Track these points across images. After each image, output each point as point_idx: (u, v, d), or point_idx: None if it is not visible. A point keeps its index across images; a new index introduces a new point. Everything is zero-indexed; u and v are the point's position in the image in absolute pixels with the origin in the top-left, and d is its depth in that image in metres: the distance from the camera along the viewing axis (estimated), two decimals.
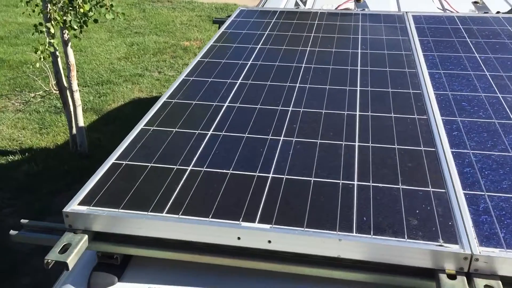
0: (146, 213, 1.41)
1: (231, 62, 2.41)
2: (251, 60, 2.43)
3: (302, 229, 1.35)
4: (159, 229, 1.39)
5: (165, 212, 1.41)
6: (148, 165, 1.63)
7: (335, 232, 1.33)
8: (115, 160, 1.66)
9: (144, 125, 1.87)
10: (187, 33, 9.61)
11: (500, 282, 1.24)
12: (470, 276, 1.27)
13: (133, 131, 1.83)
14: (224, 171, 1.59)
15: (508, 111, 1.90)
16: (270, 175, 1.57)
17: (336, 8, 3.45)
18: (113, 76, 7.86)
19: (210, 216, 1.39)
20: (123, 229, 1.40)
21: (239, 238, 1.35)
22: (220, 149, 1.71)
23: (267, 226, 1.36)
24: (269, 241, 1.34)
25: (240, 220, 1.38)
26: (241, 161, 1.64)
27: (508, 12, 3.07)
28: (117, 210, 1.42)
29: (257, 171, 1.59)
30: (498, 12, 3.10)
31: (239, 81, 2.22)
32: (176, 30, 9.88)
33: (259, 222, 1.37)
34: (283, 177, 1.56)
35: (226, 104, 2.02)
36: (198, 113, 1.95)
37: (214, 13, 10.65)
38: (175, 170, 1.60)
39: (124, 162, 1.65)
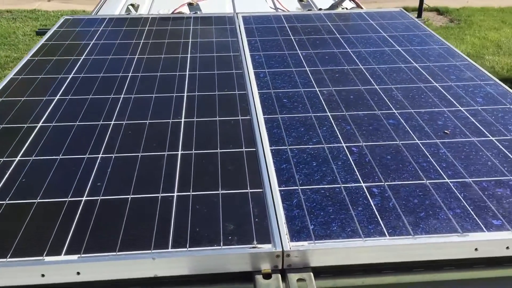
0: None
1: (49, 77, 2.23)
2: (72, 73, 2.27)
3: (114, 253, 1.26)
4: None
5: None
6: None
7: (150, 251, 1.27)
8: None
9: None
10: (32, 45, 8.85)
11: (311, 274, 1.28)
12: (284, 272, 1.30)
13: None
14: (30, 201, 1.44)
15: (324, 104, 2.01)
16: (83, 198, 1.46)
17: (172, 13, 3.40)
18: None
19: (8, 256, 1.24)
20: None
21: (43, 275, 1.22)
22: (28, 176, 1.55)
23: (75, 257, 1.25)
24: (78, 273, 1.23)
25: (44, 255, 1.25)
26: (52, 187, 1.50)
27: (329, 8, 3.29)
28: None
29: (69, 196, 1.47)
30: (320, 9, 3.31)
31: (57, 97, 2.05)
32: (19, 42, 9.06)
33: (66, 253, 1.26)
34: (98, 199, 1.46)
35: (40, 124, 1.84)
36: (3, 138, 1.75)
37: None
38: None
39: None
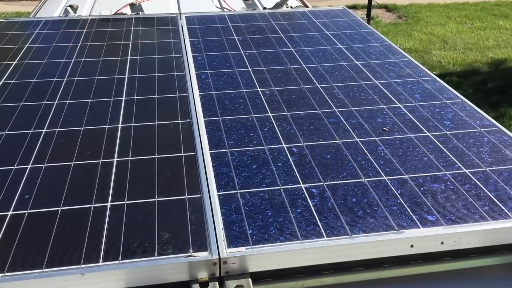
0: None
1: None
2: (2, 79, 2.15)
3: (41, 270, 1.19)
4: None
5: None
6: None
7: (79, 266, 1.21)
8: None
9: None
10: None
11: (249, 280, 1.26)
12: (222, 280, 1.27)
13: None
14: None
15: (265, 104, 1.99)
16: (9, 213, 1.38)
17: (115, 14, 3.30)
18: None
19: None
20: None
21: None
22: None
23: None
24: None
25: None
26: None
27: (273, 7, 3.28)
28: None
29: None
30: (265, 8, 3.29)
31: None
32: None
33: None
34: (25, 213, 1.38)
35: None
36: None
37: None
38: None
39: None
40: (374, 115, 1.90)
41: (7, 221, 1.35)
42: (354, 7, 10.06)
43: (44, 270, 1.19)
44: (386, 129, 1.81)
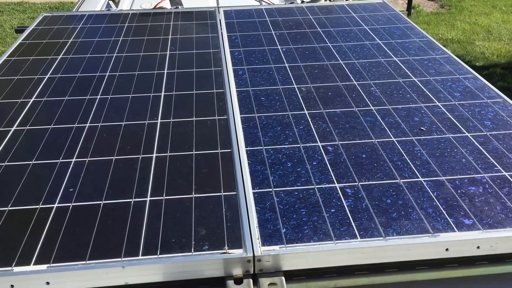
0: None
1: (25, 78, 2.20)
2: (49, 73, 2.24)
3: (84, 262, 1.26)
4: None
5: None
6: None
7: (120, 259, 1.27)
8: None
9: None
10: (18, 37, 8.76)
11: (283, 278, 1.29)
12: (256, 277, 1.30)
13: None
14: (1, 209, 1.43)
15: (301, 101, 2.00)
16: (55, 205, 1.45)
17: (154, 7, 3.36)
18: None
19: None
20: None
21: (12, 286, 1.22)
22: (0, 183, 1.54)
23: (44, 267, 1.24)
24: (47, 283, 1.23)
25: (13, 265, 1.24)
26: (23, 194, 1.49)
27: (312, 1, 3.26)
28: None
29: (40, 203, 1.46)
30: (303, 2, 3.28)
31: (32, 99, 2.03)
32: (6, 35, 8.96)
33: (36, 263, 1.25)
34: (69, 205, 1.45)
35: (14, 128, 1.82)
36: None
37: None
38: None
39: None
40: (412, 114, 1.88)
41: (53, 213, 1.42)
42: None
43: (87, 262, 1.26)
44: (423, 128, 1.78)
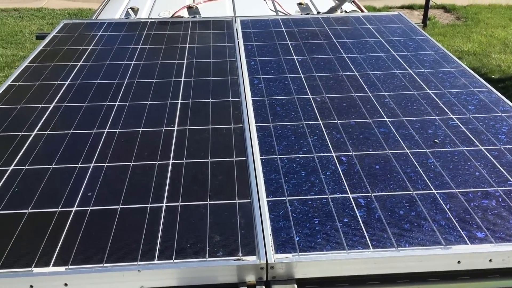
0: None
1: (46, 83, 2.26)
2: (69, 80, 2.30)
3: (101, 265, 1.29)
4: None
5: None
6: None
7: (136, 263, 1.30)
8: None
9: None
10: (39, 44, 8.92)
11: (295, 286, 1.30)
12: (269, 284, 1.32)
13: None
14: (22, 211, 1.47)
15: (316, 111, 2.02)
16: (74, 208, 1.49)
17: (172, 16, 3.42)
18: None
19: None
20: None
21: (31, 287, 1.25)
22: (21, 186, 1.58)
23: (62, 269, 1.28)
24: (66, 284, 1.26)
25: (33, 266, 1.28)
26: (43, 197, 1.53)
27: (327, 12, 3.28)
28: None
29: (60, 206, 1.50)
30: (318, 13, 3.30)
31: (53, 104, 2.08)
32: (25, 41, 9.13)
33: (54, 265, 1.29)
34: (87, 209, 1.49)
35: (34, 133, 1.87)
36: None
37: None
38: None
39: None
40: (426, 126, 1.89)
41: (72, 217, 1.45)
42: (410, 7, 9.83)
43: (104, 265, 1.29)
44: (437, 141, 1.79)
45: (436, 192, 1.53)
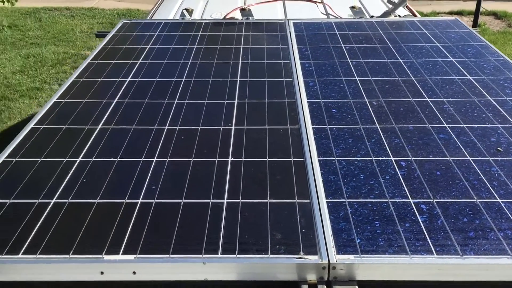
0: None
1: (108, 80, 2.34)
2: (130, 77, 2.38)
3: (168, 256, 1.33)
4: (15, 273, 1.31)
5: (21, 253, 1.33)
6: (7, 202, 1.53)
7: (201, 256, 1.33)
8: None
9: (6, 157, 1.76)
10: (89, 42, 9.23)
11: (357, 287, 1.31)
12: (330, 284, 1.32)
13: None
14: (90, 201, 1.54)
15: (373, 115, 2.01)
16: (139, 200, 1.54)
17: (224, 17, 3.48)
18: (8, 91, 7.37)
19: (71, 253, 1.34)
20: None
21: (102, 273, 1.31)
22: (89, 177, 1.65)
23: (131, 257, 1.33)
24: (134, 272, 1.31)
25: (103, 254, 1.33)
26: (110, 188, 1.59)
27: (381, 16, 3.26)
28: None
29: (126, 197, 1.55)
30: (372, 17, 3.28)
31: (115, 100, 2.15)
32: (76, 39, 9.46)
33: (124, 253, 1.34)
34: (152, 202, 1.54)
35: (99, 127, 1.95)
36: (67, 139, 1.87)
37: (116, 20, 10.33)
38: (37, 204, 1.51)
39: None
40: (488, 134, 1.85)
41: (138, 208, 1.51)
42: (460, 13, 9.60)
43: (171, 255, 1.33)
44: (501, 149, 1.75)
45: (501, 201, 1.50)
